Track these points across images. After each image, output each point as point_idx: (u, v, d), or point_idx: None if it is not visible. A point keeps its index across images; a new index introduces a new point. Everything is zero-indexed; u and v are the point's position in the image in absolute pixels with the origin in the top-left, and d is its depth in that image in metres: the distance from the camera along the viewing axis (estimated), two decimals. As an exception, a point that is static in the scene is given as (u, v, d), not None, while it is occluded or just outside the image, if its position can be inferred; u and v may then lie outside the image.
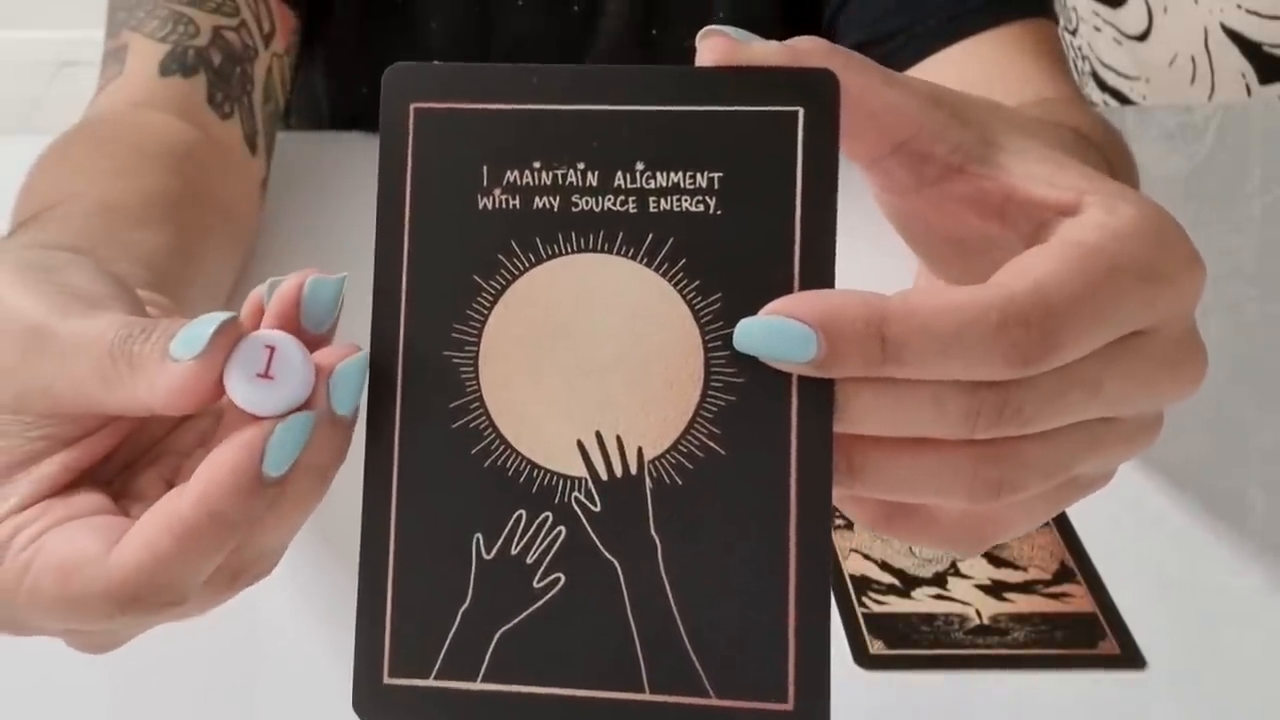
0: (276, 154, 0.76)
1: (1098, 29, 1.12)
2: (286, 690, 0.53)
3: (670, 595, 0.32)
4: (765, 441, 0.32)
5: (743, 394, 0.32)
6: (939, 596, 0.56)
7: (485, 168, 0.33)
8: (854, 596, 0.56)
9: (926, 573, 0.57)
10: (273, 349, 0.32)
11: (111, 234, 0.51)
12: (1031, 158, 0.35)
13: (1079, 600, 0.56)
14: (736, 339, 0.32)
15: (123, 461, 0.37)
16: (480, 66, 0.34)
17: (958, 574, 0.57)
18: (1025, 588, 0.57)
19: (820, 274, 0.32)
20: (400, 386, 0.33)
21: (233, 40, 0.71)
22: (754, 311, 0.32)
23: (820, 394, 0.32)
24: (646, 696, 0.32)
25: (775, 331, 0.31)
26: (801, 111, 0.33)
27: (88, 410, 0.34)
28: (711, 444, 0.32)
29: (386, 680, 0.33)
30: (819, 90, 0.33)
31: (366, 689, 0.33)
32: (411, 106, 0.34)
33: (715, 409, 0.32)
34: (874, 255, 0.48)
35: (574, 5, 0.83)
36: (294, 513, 0.33)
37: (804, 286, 0.32)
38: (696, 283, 0.33)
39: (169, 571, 0.32)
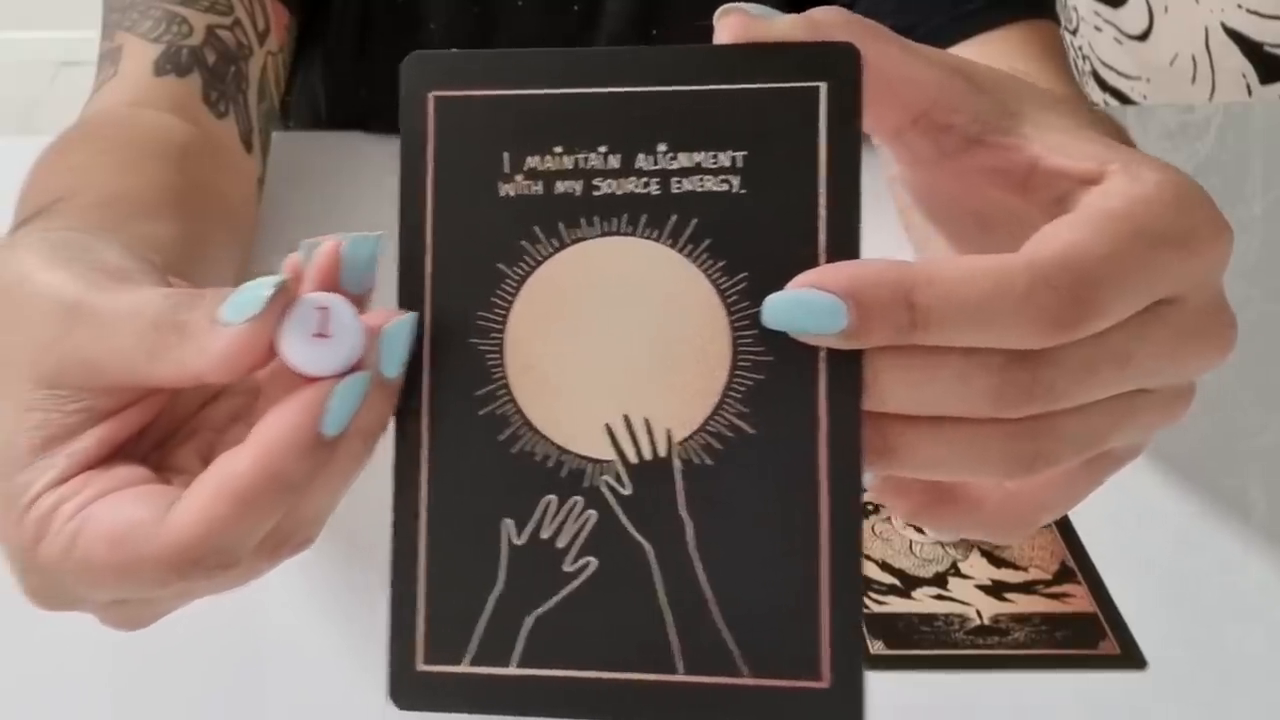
0: (275, 154, 0.76)
1: (1098, 29, 1.12)
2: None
3: (702, 576, 0.32)
4: (794, 419, 0.32)
5: (771, 372, 0.32)
6: (939, 597, 0.56)
7: (506, 154, 0.33)
8: (854, 597, 0.56)
9: (927, 573, 0.57)
10: (326, 309, 0.32)
11: (123, 224, 0.51)
12: (1052, 128, 0.34)
13: (1079, 600, 0.56)
14: (765, 315, 0.32)
15: (156, 438, 0.37)
16: (499, 52, 0.34)
17: (958, 574, 0.57)
18: (1026, 588, 0.56)
19: (846, 249, 0.32)
20: (427, 376, 0.33)
21: (227, 39, 0.71)
22: (780, 289, 0.31)
23: (849, 370, 0.31)
24: (680, 677, 0.32)
25: (804, 304, 0.31)
26: (824, 86, 0.32)
27: (132, 382, 0.34)
28: (740, 423, 0.32)
29: (421, 668, 0.33)
30: (840, 64, 0.32)
31: (401, 677, 0.33)
32: (431, 95, 0.34)
33: (743, 388, 0.32)
34: (899, 231, 0.48)
35: (574, 4, 0.82)
36: (341, 477, 0.33)
37: (830, 262, 0.32)
38: (722, 263, 0.32)
39: (226, 533, 0.32)
